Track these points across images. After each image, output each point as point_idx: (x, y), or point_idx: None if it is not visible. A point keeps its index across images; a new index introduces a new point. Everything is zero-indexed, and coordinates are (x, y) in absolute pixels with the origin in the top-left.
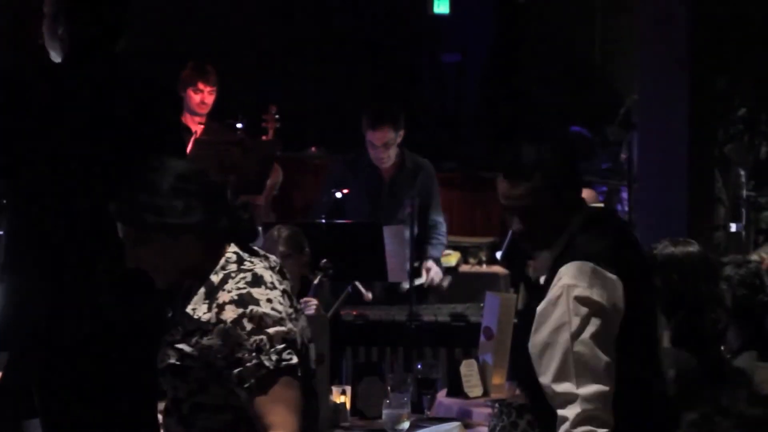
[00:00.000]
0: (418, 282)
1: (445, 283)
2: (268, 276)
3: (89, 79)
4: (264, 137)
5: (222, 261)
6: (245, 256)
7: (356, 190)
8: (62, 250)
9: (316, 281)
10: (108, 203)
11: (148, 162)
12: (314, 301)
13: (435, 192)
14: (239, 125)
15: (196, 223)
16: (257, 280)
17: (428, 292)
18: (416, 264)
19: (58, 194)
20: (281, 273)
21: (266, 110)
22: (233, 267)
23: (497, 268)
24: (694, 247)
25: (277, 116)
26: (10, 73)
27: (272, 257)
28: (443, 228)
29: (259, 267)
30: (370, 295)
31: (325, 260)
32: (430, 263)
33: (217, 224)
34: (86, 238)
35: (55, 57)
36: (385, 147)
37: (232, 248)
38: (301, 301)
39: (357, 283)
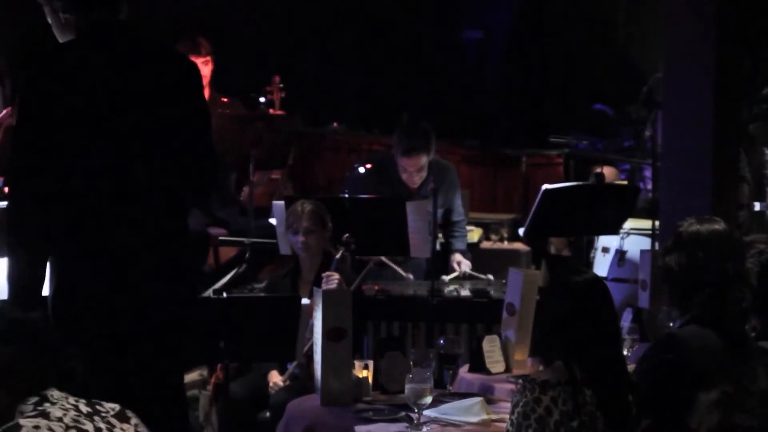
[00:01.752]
0: (451, 277)
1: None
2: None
3: (111, 53)
4: (271, 110)
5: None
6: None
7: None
8: (98, 217)
9: (338, 256)
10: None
11: None
12: (336, 276)
13: (458, 193)
14: (262, 99)
15: None
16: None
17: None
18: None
19: (93, 171)
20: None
21: (270, 81)
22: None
23: (519, 245)
24: (719, 225)
25: (281, 85)
26: (38, 59)
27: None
28: (464, 223)
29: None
30: (411, 276)
31: (347, 235)
32: (458, 257)
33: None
34: (124, 216)
35: (64, 38)
36: (419, 171)
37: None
38: (324, 275)
39: (395, 267)
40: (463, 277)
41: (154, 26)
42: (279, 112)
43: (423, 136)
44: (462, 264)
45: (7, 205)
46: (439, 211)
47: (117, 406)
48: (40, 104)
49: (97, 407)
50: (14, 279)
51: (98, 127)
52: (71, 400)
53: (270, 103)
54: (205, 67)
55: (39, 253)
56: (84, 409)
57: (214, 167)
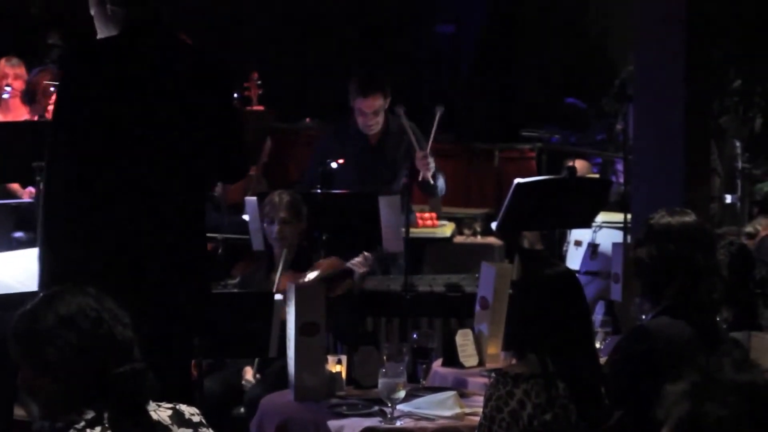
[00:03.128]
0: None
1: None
2: None
3: (151, 50)
4: (248, 107)
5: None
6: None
7: (344, 157)
8: (123, 207)
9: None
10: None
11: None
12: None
13: (419, 133)
14: (234, 95)
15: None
16: None
17: (423, 264)
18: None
19: (126, 164)
20: None
21: (248, 77)
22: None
23: (492, 239)
24: (690, 217)
25: (259, 82)
26: (78, 52)
27: None
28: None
29: None
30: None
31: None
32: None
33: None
34: (152, 205)
35: (106, 33)
36: (374, 114)
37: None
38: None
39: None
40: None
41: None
42: (258, 108)
43: (378, 77)
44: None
45: (43, 197)
46: (401, 178)
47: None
48: (78, 97)
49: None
50: (47, 269)
51: (133, 122)
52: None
53: (247, 100)
54: None
55: (71, 245)
56: None
57: (244, 162)
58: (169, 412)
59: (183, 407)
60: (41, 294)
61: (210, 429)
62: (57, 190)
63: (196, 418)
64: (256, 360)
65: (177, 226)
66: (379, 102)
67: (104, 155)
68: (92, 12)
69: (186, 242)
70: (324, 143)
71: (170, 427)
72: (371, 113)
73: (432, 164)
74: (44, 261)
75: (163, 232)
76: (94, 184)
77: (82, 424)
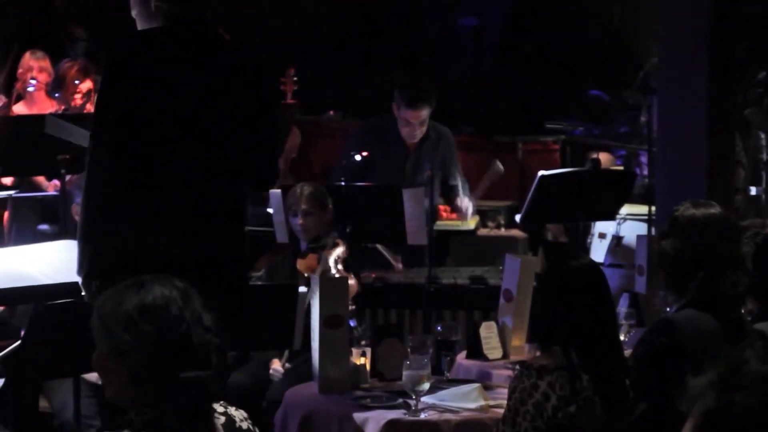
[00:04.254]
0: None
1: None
2: None
3: (193, 44)
4: (282, 101)
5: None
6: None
7: (380, 158)
8: (164, 198)
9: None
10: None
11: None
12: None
13: (456, 159)
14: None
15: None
16: None
17: (446, 256)
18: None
19: (164, 155)
20: None
21: (284, 73)
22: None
23: (516, 232)
24: (715, 209)
25: (295, 78)
26: (122, 44)
27: None
28: (466, 186)
29: None
30: (400, 266)
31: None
32: (459, 199)
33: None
34: (186, 188)
35: (146, 25)
36: (421, 124)
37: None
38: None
39: (385, 253)
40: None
41: None
42: (291, 102)
43: (426, 89)
44: (464, 201)
45: (86, 184)
46: (437, 185)
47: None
48: (119, 87)
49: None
50: (87, 257)
51: (171, 115)
52: None
53: (281, 94)
54: None
55: (113, 235)
56: None
57: (274, 159)
58: (222, 419)
59: (234, 412)
60: (137, 277)
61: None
62: (98, 179)
63: (245, 425)
64: (286, 353)
65: (217, 221)
66: (426, 112)
67: (144, 147)
68: (134, 13)
69: (225, 239)
70: (357, 137)
71: None
72: (417, 123)
73: (470, 211)
74: (84, 250)
75: (204, 226)
76: (135, 175)
77: (138, 426)
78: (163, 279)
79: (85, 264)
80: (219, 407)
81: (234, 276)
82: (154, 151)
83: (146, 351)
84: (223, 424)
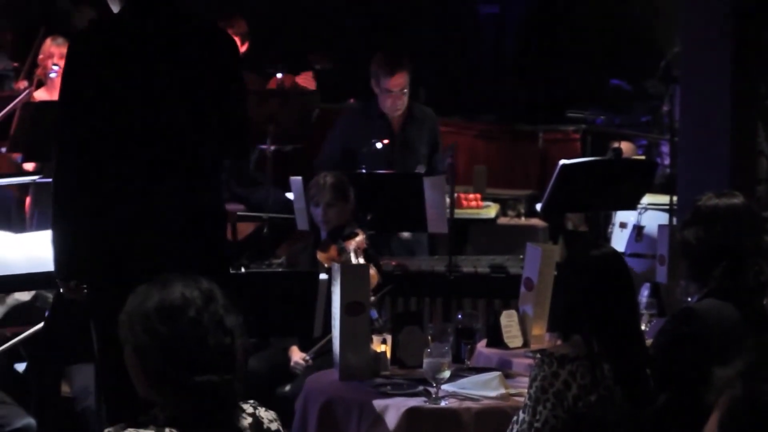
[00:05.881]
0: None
1: None
2: None
3: (155, 25)
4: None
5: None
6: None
7: (368, 141)
8: (139, 187)
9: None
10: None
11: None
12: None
13: (440, 138)
14: (278, 75)
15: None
16: None
17: (467, 245)
18: None
19: (132, 138)
20: None
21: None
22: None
23: (536, 221)
24: (738, 199)
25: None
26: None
27: None
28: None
29: None
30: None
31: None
32: None
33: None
34: (161, 177)
35: (116, 9)
36: (402, 92)
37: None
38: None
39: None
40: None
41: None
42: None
43: (401, 55)
44: None
45: (55, 174)
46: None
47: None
48: (82, 72)
49: None
50: (59, 248)
51: (136, 95)
52: None
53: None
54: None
55: (83, 222)
56: None
57: (246, 133)
58: (249, 419)
59: (263, 413)
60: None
61: None
62: (68, 168)
63: (274, 426)
64: (311, 351)
65: (191, 200)
66: (405, 79)
67: (112, 133)
68: None
69: (202, 217)
70: (349, 123)
71: None
72: (399, 91)
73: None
74: (56, 242)
75: (178, 206)
76: (103, 163)
77: (162, 421)
78: (187, 279)
79: (59, 268)
80: (248, 407)
81: (213, 253)
82: (119, 139)
83: (161, 352)
84: (250, 424)
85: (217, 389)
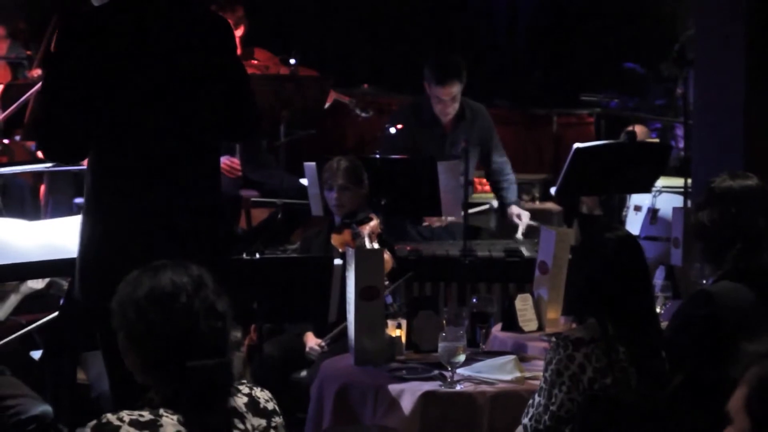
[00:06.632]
0: (519, 234)
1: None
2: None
3: (154, 11)
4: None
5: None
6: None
7: (419, 138)
8: (143, 184)
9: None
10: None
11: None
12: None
13: (494, 134)
14: (292, 61)
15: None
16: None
17: (481, 229)
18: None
19: (132, 129)
20: None
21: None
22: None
23: (550, 205)
24: (752, 181)
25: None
26: (75, 19)
27: None
28: (509, 167)
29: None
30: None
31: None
32: (514, 209)
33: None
34: (163, 170)
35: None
36: (452, 101)
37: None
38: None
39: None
40: (526, 233)
41: None
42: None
43: (455, 64)
44: (522, 216)
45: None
46: (473, 161)
47: None
48: (71, 59)
49: None
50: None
51: (129, 82)
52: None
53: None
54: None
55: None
56: None
57: (254, 117)
58: (245, 399)
59: (258, 393)
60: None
61: (281, 417)
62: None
63: (270, 406)
64: (327, 337)
65: (192, 187)
66: (456, 89)
67: (112, 122)
68: None
69: (201, 202)
70: (398, 118)
71: (245, 414)
72: (449, 100)
73: (524, 221)
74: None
75: (179, 194)
76: (105, 153)
77: (158, 403)
78: (177, 265)
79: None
80: (244, 388)
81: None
82: (106, 125)
83: (154, 339)
84: (246, 403)
85: (211, 373)
